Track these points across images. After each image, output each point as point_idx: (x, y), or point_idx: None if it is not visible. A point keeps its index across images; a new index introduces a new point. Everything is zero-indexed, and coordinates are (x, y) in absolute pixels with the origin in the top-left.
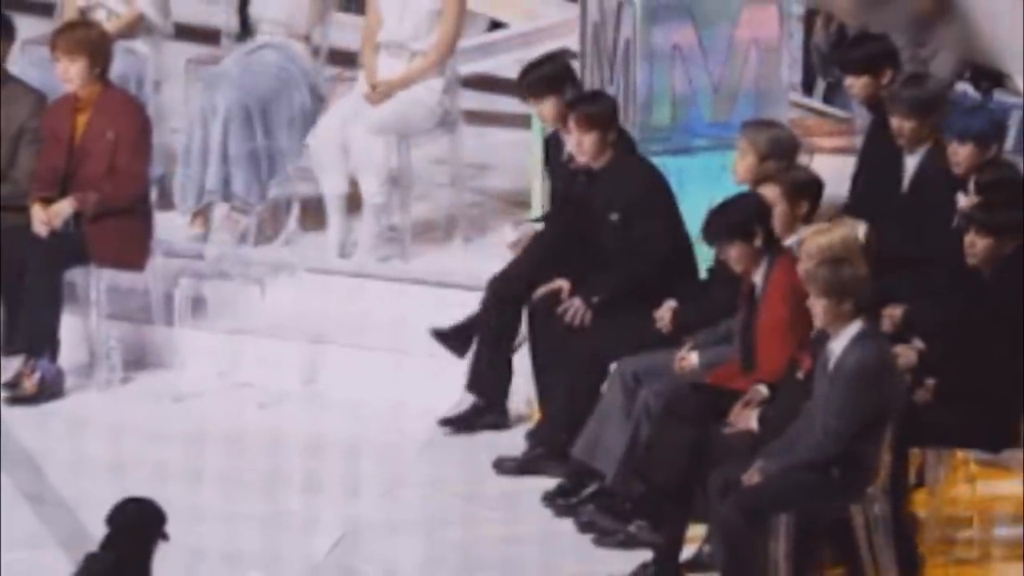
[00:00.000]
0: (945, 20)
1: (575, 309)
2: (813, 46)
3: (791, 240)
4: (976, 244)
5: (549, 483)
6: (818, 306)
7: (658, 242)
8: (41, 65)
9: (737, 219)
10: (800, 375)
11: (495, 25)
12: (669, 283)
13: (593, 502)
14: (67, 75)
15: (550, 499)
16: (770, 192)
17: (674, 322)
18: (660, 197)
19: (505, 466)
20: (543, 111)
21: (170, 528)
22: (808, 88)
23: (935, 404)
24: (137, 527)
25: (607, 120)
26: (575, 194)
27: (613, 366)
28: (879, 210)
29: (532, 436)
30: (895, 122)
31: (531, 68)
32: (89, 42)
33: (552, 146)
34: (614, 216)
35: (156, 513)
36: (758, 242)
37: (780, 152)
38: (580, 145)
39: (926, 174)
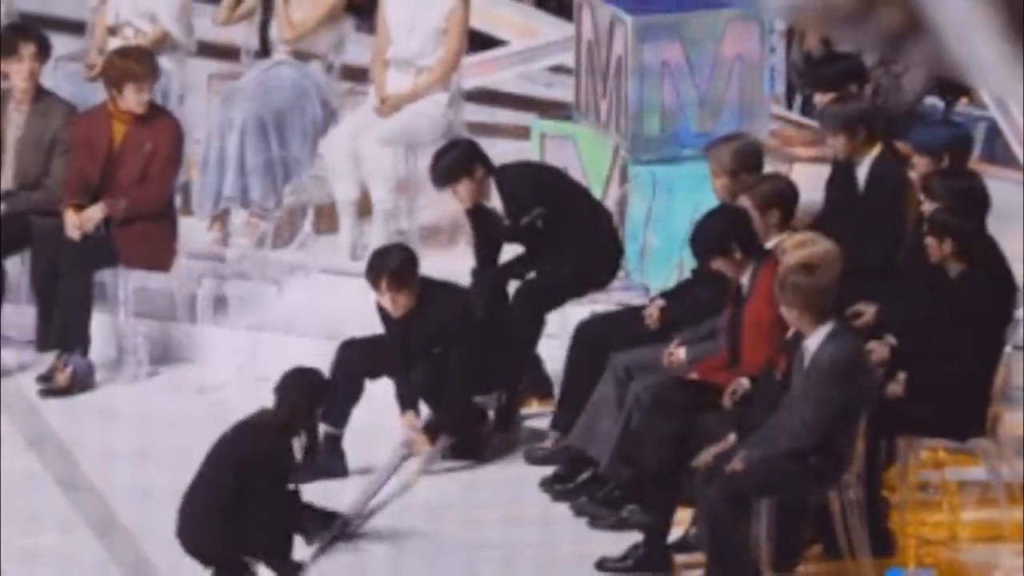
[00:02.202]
0: (916, 37)
1: (428, 454)
2: (790, 62)
3: (769, 245)
4: (930, 246)
5: (547, 469)
6: (787, 314)
7: (470, 365)
8: (72, 80)
9: (711, 239)
10: (777, 375)
11: (496, 43)
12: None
13: (587, 490)
14: (141, 99)
15: (547, 484)
16: (744, 203)
17: (662, 319)
18: (463, 322)
19: (535, 455)
20: (460, 193)
21: None
22: (791, 99)
23: (906, 396)
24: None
25: (414, 277)
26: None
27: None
28: (842, 218)
29: (553, 426)
30: (829, 139)
31: (437, 158)
32: (146, 67)
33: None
34: (435, 351)
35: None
36: (737, 255)
37: (748, 163)
38: (395, 303)
39: (875, 180)
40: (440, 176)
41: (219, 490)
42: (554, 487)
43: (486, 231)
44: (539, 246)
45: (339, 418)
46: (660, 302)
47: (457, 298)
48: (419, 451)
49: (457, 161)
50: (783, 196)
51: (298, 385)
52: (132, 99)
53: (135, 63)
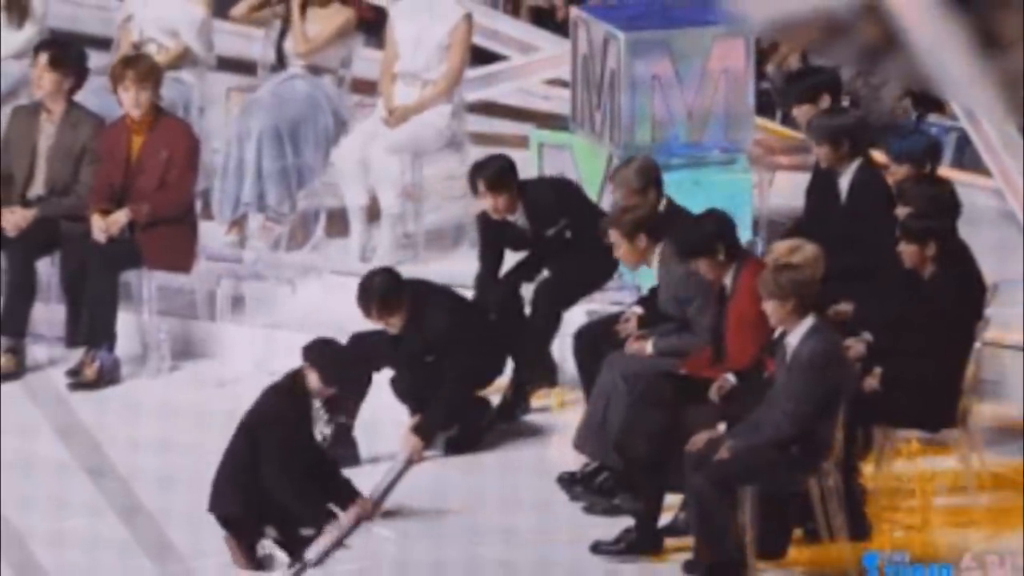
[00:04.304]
0: (892, 52)
1: (418, 455)
2: (769, 76)
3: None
4: (905, 250)
5: (544, 459)
6: (768, 307)
7: (463, 369)
8: (98, 93)
9: (698, 241)
10: (765, 375)
11: (497, 57)
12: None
13: (584, 481)
14: (138, 102)
15: (564, 482)
16: (613, 235)
17: (639, 324)
18: (458, 330)
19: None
20: (498, 202)
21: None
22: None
23: (882, 390)
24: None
25: (400, 298)
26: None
27: None
28: (823, 223)
29: None
30: (814, 148)
31: (485, 165)
32: (154, 73)
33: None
34: (428, 359)
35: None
36: (721, 256)
37: (651, 176)
38: (389, 325)
39: (858, 190)
40: (489, 180)
41: (234, 448)
42: (562, 476)
43: (494, 241)
44: (551, 252)
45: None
46: (637, 309)
47: (447, 308)
48: (419, 458)
49: (505, 171)
50: (651, 224)
51: (319, 351)
52: (123, 99)
53: (123, 67)
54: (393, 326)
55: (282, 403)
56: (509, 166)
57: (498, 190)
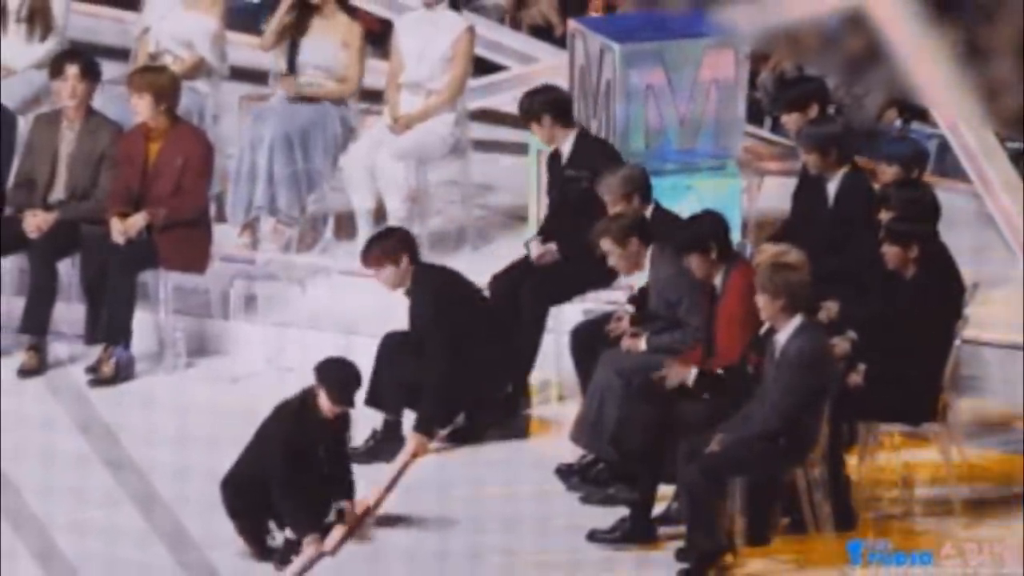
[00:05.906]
0: (876, 62)
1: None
2: (760, 84)
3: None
4: (888, 252)
5: (543, 451)
6: (760, 301)
7: (444, 358)
8: (117, 102)
9: (694, 236)
10: (750, 369)
11: (498, 68)
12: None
13: (581, 472)
14: (136, 108)
15: (562, 473)
16: (606, 244)
17: (631, 323)
18: None
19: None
20: (541, 132)
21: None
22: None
23: (866, 385)
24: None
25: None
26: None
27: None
28: (810, 227)
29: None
30: (802, 155)
31: (553, 90)
32: (155, 83)
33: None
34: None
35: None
36: (714, 255)
37: (636, 184)
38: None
39: (844, 195)
40: (552, 106)
41: (247, 452)
42: (560, 468)
43: (549, 173)
44: (564, 203)
45: (392, 406)
46: (629, 308)
47: (435, 292)
48: (422, 452)
49: (566, 103)
50: (640, 229)
51: (327, 370)
52: (137, 106)
53: (140, 76)
54: (386, 280)
55: (289, 421)
56: (569, 103)
57: (559, 118)
